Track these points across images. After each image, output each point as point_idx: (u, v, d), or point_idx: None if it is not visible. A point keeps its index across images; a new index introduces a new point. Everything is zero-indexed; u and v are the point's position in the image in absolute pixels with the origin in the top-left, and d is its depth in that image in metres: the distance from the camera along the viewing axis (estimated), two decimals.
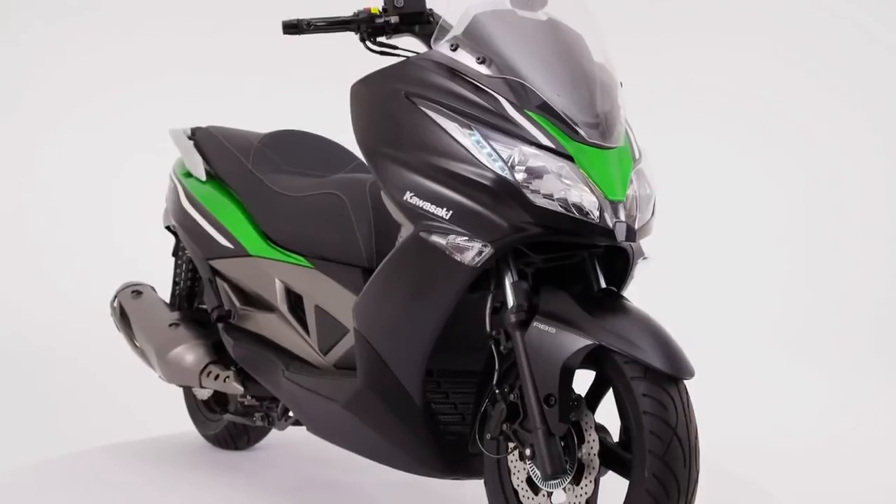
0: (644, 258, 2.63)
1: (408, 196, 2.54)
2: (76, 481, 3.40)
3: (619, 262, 2.60)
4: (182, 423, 3.87)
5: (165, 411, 4.02)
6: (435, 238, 2.49)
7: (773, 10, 5.87)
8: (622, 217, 2.45)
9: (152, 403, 4.16)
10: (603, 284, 2.56)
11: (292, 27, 2.81)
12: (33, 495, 3.28)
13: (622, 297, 2.55)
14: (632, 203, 2.49)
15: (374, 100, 2.66)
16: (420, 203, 2.52)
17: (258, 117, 4.41)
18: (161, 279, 3.98)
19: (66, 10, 6.34)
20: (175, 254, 3.85)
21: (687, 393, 2.38)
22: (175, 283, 3.81)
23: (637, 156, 2.58)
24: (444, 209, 2.48)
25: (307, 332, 3.07)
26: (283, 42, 5.83)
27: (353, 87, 2.72)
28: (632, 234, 2.47)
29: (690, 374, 2.36)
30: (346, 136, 3.50)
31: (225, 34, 6.24)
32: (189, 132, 3.62)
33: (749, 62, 5.81)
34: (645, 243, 2.61)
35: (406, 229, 2.59)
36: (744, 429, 3.99)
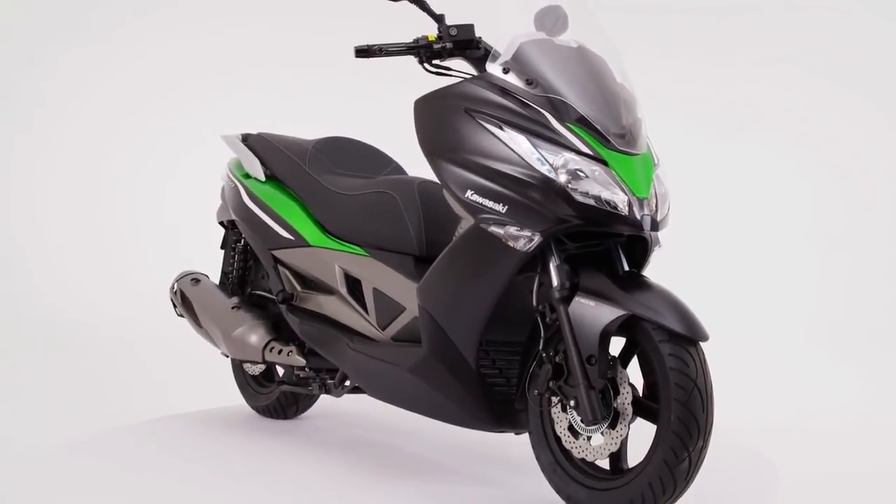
0: (659, 246, 3.17)
1: (469, 194, 3.07)
2: (145, 446, 3.87)
3: (638, 250, 3.14)
4: (228, 398, 4.36)
5: (215, 387, 4.51)
6: (493, 228, 3.02)
7: (805, 24, 6.15)
8: (647, 211, 3.00)
9: (204, 380, 4.65)
10: (626, 267, 3.11)
11: (364, 52, 3.32)
12: (110, 459, 3.75)
13: (645, 276, 3.10)
14: (654, 200, 3.03)
15: (437, 113, 3.18)
16: (480, 200, 3.05)
17: (289, 120, 4.91)
18: (201, 268, 4.46)
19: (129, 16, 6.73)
20: (223, 246, 4.34)
21: (703, 353, 2.92)
22: (225, 273, 4.30)
23: (656, 161, 3.13)
24: (501, 205, 3.01)
25: (366, 310, 3.57)
26: (309, 50, 6.31)
27: (416, 103, 3.24)
28: (655, 226, 3.02)
29: (706, 337, 2.90)
30: (370, 138, 4.06)
31: (251, 41, 6.62)
32: (240, 137, 4.12)
33: (783, 75, 6.12)
34: (662, 234, 3.15)
35: (466, 222, 3.11)
36: (768, 411, 4.32)
